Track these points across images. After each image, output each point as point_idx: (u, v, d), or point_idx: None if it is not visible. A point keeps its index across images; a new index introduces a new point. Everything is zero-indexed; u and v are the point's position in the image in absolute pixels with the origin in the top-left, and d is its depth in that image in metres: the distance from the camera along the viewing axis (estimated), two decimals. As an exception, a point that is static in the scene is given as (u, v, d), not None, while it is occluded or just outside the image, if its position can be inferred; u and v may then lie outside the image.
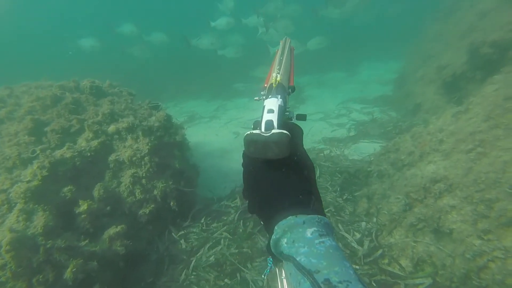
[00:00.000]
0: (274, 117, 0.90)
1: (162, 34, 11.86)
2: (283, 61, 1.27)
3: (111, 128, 4.46)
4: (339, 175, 5.46)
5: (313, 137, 7.70)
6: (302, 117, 1.16)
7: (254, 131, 0.84)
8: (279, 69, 1.18)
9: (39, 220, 3.21)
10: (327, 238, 0.73)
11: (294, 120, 1.14)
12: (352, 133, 7.73)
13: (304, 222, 0.75)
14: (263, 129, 0.86)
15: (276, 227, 0.78)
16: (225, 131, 9.07)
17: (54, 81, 5.42)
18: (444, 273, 3.01)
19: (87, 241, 3.32)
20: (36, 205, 3.37)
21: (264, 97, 1.06)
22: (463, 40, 6.87)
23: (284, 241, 0.75)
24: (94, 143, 4.27)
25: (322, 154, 6.58)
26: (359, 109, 9.53)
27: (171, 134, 4.92)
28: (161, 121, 4.81)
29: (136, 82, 11.63)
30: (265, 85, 1.15)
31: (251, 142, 0.85)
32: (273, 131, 0.83)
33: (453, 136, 4.47)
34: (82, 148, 4.16)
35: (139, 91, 7.89)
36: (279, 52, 1.37)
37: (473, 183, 3.31)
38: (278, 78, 1.10)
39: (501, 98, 4.30)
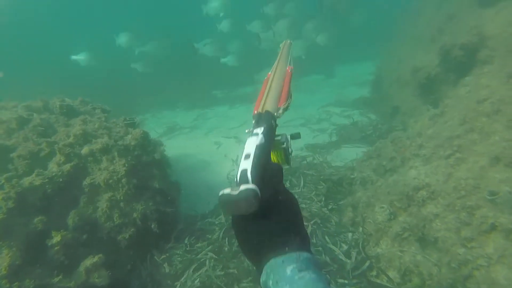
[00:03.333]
0: (249, 165, 0.89)
1: (156, 42, 11.58)
2: (275, 78, 1.26)
3: (84, 149, 4.23)
4: (323, 184, 5.43)
5: (295, 144, 7.62)
6: (296, 136, 1.20)
7: (225, 191, 0.85)
8: (267, 94, 1.18)
9: (4, 259, 2.96)
10: (307, 272, 0.75)
11: (289, 142, 1.19)
12: (333, 139, 7.77)
13: (283, 261, 0.79)
14: (238, 179, 0.87)
15: (263, 271, 0.82)
16: (206, 141, 8.90)
17: (19, 101, 5.10)
18: (431, 283, 3.01)
19: (60, 276, 3.10)
20: (0, 242, 3.12)
21: (249, 132, 1.05)
22: (434, 42, 7.06)
23: (270, 283, 0.78)
24: (67, 167, 4.03)
25: (305, 162, 6.55)
26: (339, 113, 9.61)
27: (149, 153, 4.74)
28: (138, 139, 4.62)
29: (110, 93, 11.29)
30: (254, 112, 1.15)
31: (223, 204, 0.86)
32: (241, 188, 0.83)
33: (431, 140, 4.55)
34: (54, 174, 3.91)
35: (114, 103, 7.63)
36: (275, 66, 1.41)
37: (453, 190, 3.35)
38: (265, 104, 1.11)
39: (474, 101, 4.41)
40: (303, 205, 4.88)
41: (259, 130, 0.99)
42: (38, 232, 3.47)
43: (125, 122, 5.02)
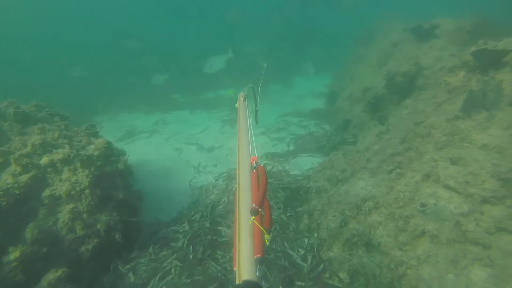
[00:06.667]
0: None
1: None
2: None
3: (44, 160, 4.09)
4: (282, 192, 5.82)
5: (255, 152, 8.02)
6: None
7: None
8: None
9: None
10: None
11: None
12: (291, 148, 8.25)
13: None
14: None
15: None
16: (167, 147, 8.85)
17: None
18: (375, 282, 3.51)
19: (21, 293, 3.02)
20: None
21: None
22: (381, 67, 7.94)
23: None
24: (24, 178, 3.88)
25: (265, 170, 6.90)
26: (296, 123, 10.19)
27: (113, 162, 4.70)
28: (101, 149, 4.57)
29: (64, 94, 10.68)
30: (234, 268, 1.10)
31: None
32: None
33: (377, 155, 5.17)
34: (9, 185, 3.74)
35: (68, 104, 7.27)
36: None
37: (394, 201, 3.92)
38: (240, 268, 1.04)
39: (412, 123, 5.13)
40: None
41: None
42: (-7, 248, 3.32)
43: (87, 131, 4.91)
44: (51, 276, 3.32)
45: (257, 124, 1.94)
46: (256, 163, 1.59)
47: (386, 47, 8.58)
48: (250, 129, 1.89)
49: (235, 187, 1.44)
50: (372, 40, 10.33)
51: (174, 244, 4.73)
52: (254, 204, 1.30)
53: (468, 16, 6.44)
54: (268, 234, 1.20)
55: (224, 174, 6.86)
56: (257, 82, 2.35)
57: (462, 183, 3.45)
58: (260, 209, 1.29)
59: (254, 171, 1.53)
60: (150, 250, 4.59)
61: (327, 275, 3.90)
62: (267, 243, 1.18)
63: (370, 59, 9.50)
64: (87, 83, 12.67)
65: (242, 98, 2.18)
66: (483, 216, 3.08)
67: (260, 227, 1.19)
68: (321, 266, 4.01)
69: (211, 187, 6.42)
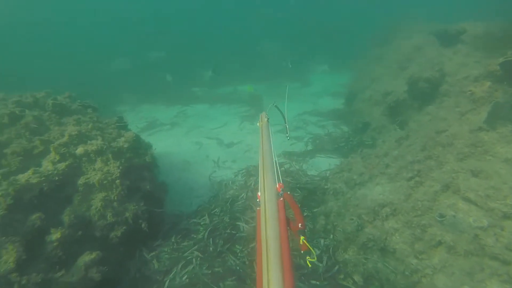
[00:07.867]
0: None
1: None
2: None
3: (79, 149, 4.37)
4: (299, 191, 5.96)
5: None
6: None
7: None
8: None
9: (9, 254, 3.12)
10: None
11: None
12: (309, 147, 8.35)
13: None
14: None
15: None
16: (187, 141, 9.11)
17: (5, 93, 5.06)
18: (388, 287, 3.63)
19: (63, 271, 3.31)
20: (4, 237, 3.26)
21: None
22: (403, 70, 7.88)
23: None
24: (62, 165, 4.17)
25: (283, 169, 7.06)
26: (314, 122, 10.25)
27: (141, 155, 4.95)
28: (131, 142, 4.83)
29: (89, 85, 11.11)
30: None
31: None
32: None
33: (396, 161, 5.22)
34: (49, 172, 4.04)
35: (93, 94, 7.58)
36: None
37: (412, 209, 4.01)
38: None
39: (433, 131, 5.15)
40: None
41: None
42: (36, 229, 3.62)
43: (117, 124, 5.17)
44: (86, 257, 3.60)
45: (288, 138, 1.99)
46: (283, 190, 1.49)
47: (408, 49, 8.50)
48: (274, 154, 1.76)
49: (257, 210, 1.38)
50: (391, 40, 10.20)
51: (195, 236, 4.97)
52: (300, 225, 1.32)
53: (487, 18, 6.32)
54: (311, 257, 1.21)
55: (243, 171, 7.05)
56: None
57: (483, 196, 3.50)
58: (305, 230, 1.31)
59: (281, 198, 1.44)
60: (173, 239, 4.85)
61: (341, 276, 4.04)
62: (309, 265, 1.22)
63: (389, 61, 9.42)
64: (116, 75, 13.15)
65: (266, 119, 2.18)
66: (504, 232, 3.14)
67: (310, 247, 1.23)
68: (336, 267, 4.15)
69: (230, 182, 6.62)
